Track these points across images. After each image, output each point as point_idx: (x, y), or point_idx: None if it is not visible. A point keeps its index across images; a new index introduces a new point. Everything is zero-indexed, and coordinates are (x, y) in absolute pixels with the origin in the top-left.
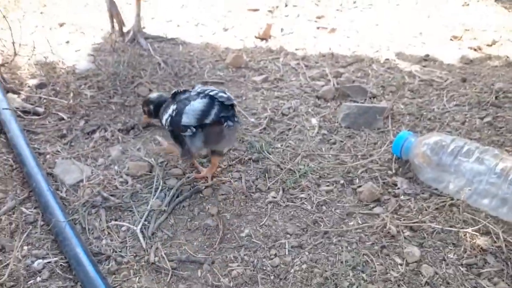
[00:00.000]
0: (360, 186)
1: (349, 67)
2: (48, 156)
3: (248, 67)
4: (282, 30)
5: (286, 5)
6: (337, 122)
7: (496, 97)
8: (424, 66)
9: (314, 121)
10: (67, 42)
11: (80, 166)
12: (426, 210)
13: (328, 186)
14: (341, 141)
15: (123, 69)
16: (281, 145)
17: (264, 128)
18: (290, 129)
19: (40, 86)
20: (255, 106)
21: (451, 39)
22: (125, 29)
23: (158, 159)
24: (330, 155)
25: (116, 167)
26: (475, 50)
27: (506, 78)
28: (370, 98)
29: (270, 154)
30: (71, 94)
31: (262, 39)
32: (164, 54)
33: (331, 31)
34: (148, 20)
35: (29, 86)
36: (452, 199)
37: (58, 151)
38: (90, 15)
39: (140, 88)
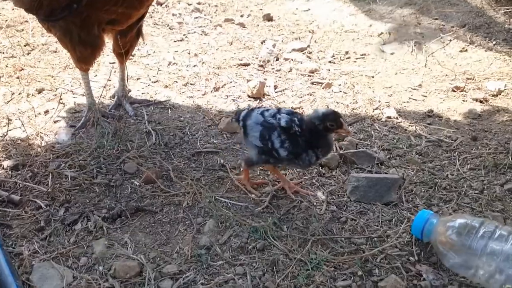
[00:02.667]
0: (381, 279)
1: (351, 128)
2: (24, 257)
3: None
4: (275, 88)
5: (277, 59)
6: (346, 195)
7: None
8: (429, 124)
9: (320, 195)
10: (46, 112)
11: (60, 270)
12: None
13: (345, 280)
14: (353, 219)
15: (108, 143)
16: (288, 228)
17: (267, 206)
18: (295, 206)
19: (16, 167)
20: (254, 178)
21: (453, 90)
22: (109, 94)
23: (148, 254)
24: (343, 239)
25: (100, 268)
26: (481, 102)
27: None
28: (377, 164)
29: (276, 240)
30: (50, 176)
31: (255, 98)
32: (152, 121)
33: (326, 87)
34: (133, 82)
35: (3, 168)
36: None
37: (36, 251)
38: (70, 78)
39: (127, 165)
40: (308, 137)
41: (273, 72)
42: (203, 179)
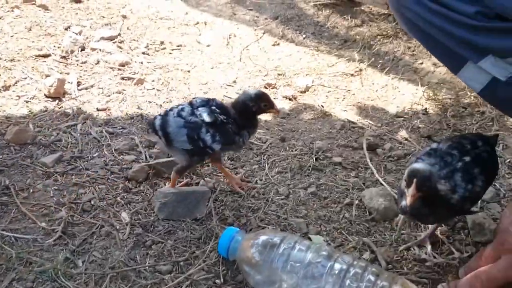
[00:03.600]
0: None
1: None
2: None
3: (36, 142)
4: (79, 84)
5: (83, 49)
6: (154, 213)
7: (316, 159)
8: None
9: (124, 215)
10: None
11: None
12: None
13: None
14: (160, 242)
15: None
16: (84, 262)
17: (60, 237)
18: (94, 233)
19: None
20: (47, 201)
21: (265, 87)
22: None
23: None
24: (147, 268)
25: None
26: (290, 99)
27: (323, 133)
28: (188, 175)
29: (68, 280)
30: None
31: (54, 98)
32: None
33: (138, 83)
34: None
35: None
36: None
37: None
38: None
39: None
40: (239, 120)
41: (77, 64)
42: None
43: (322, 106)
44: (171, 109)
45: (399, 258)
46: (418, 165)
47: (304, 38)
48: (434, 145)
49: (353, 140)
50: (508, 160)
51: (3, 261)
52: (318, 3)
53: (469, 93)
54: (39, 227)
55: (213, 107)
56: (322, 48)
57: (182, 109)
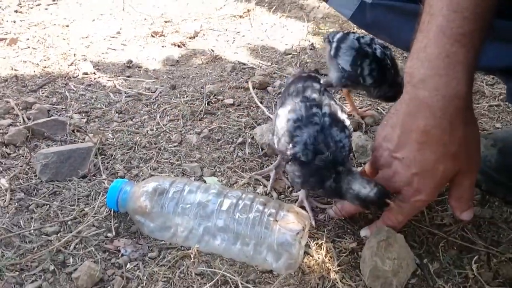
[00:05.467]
0: (76, 269)
1: (41, 91)
2: None
3: None
4: None
5: None
6: (36, 176)
7: (208, 103)
8: (128, 77)
9: (3, 182)
10: None
11: None
12: (157, 274)
13: (34, 281)
14: (45, 204)
15: None
16: None
17: None
18: None
19: None
20: None
21: (152, 36)
22: None
23: None
24: (32, 231)
25: None
26: (179, 46)
27: (214, 77)
28: (73, 131)
29: None
30: None
31: None
32: None
33: (11, 42)
34: None
35: None
36: (184, 248)
37: None
38: None
39: None
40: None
41: None
42: None
43: (213, 51)
44: (354, 32)
45: (289, 187)
46: None
47: None
48: None
49: (244, 81)
50: None
51: None
52: None
53: (352, 25)
54: None
55: (388, 52)
56: None
57: (363, 37)
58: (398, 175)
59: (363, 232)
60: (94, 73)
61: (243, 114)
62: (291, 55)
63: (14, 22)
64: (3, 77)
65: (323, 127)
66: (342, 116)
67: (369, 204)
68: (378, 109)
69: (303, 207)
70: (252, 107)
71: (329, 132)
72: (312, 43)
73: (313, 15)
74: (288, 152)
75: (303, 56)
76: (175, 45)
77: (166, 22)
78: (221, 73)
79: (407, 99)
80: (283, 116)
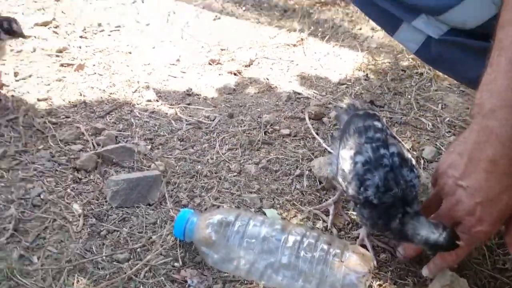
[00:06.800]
0: None
1: (108, 117)
2: None
3: None
4: (16, 75)
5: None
6: (107, 202)
7: (265, 133)
8: (188, 104)
9: (76, 207)
10: None
11: None
12: None
13: None
14: (115, 231)
15: None
16: (39, 258)
17: (12, 235)
18: (46, 228)
19: None
20: None
21: (209, 63)
22: None
23: None
24: (104, 258)
25: None
26: (235, 74)
27: (270, 106)
28: (138, 159)
29: (25, 277)
30: None
31: None
32: None
33: (78, 68)
34: None
35: None
36: (247, 282)
37: None
38: None
39: None
40: None
41: (13, 54)
42: None
43: (267, 79)
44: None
45: (349, 223)
46: None
47: (244, 11)
48: None
49: (299, 110)
50: (447, 119)
51: None
52: None
53: (407, 56)
54: None
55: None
56: (263, 19)
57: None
58: (461, 203)
59: (424, 272)
60: (157, 100)
61: (299, 145)
62: (345, 85)
63: (80, 47)
64: (72, 102)
65: (393, 168)
66: (409, 155)
67: (439, 249)
68: (436, 144)
69: (363, 246)
70: (308, 138)
71: (400, 172)
72: (367, 74)
73: (367, 44)
74: (361, 197)
75: (357, 87)
76: (231, 73)
77: (222, 50)
78: (277, 102)
79: (476, 128)
80: (349, 159)
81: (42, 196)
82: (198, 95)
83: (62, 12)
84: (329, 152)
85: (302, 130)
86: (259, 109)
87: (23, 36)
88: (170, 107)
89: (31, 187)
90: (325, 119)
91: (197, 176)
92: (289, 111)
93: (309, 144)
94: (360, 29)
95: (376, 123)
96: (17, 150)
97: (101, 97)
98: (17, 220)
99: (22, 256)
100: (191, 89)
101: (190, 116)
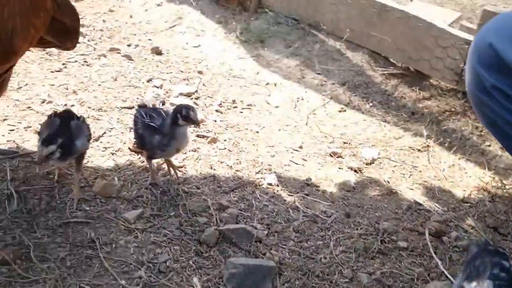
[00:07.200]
0: None
1: (232, 194)
2: None
3: (120, 197)
4: None
5: (163, 103)
6: (222, 282)
7: (381, 241)
8: (306, 195)
9: (196, 281)
10: None
11: None
12: None
13: None
14: None
15: None
16: None
17: None
18: None
19: None
20: (127, 258)
21: (331, 155)
22: None
23: None
24: None
25: None
26: (355, 171)
27: (389, 213)
28: (255, 242)
29: None
30: None
31: (137, 153)
32: (16, 179)
33: (211, 141)
34: None
35: None
36: None
37: None
38: None
39: None
40: None
41: None
42: (68, 259)
43: (388, 182)
44: None
45: None
46: None
47: (371, 106)
48: None
49: (419, 224)
50: None
51: None
52: (386, 72)
53: None
54: (119, 284)
55: None
56: (389, 118)
57: None
58: None
59: None
60: (277, 185)
61: (416, 262)
62: (468, 204)
63: (215, 121)
64: (203, 174)
65: None
66: None
67: None
68: None
69: None
70: (425, 256)
71: None
72: (492, 196)
73: (495, 163)
74: None
75: (481, 208)
76: (351, 169)
77: (344, 143)
78: (396, 210)
79: None
80: None
81: (167, 264)
82: (317, 186)
83: (204, 85)
84: (446, 277)
85: (420, 245)
86: (377, 214)
87: (197, 124)
88: (289, 195)
89: (159, 252)
90: (445, 238)
91: (309, 275)
92: (408, 222)
93: (426, 263)
94: (489, 145)
95: (504, 262)
96: (152, 213)
97: (228, 173)
98: (145, 284)
99: None
100: (310, 179)
101: (307, 207)
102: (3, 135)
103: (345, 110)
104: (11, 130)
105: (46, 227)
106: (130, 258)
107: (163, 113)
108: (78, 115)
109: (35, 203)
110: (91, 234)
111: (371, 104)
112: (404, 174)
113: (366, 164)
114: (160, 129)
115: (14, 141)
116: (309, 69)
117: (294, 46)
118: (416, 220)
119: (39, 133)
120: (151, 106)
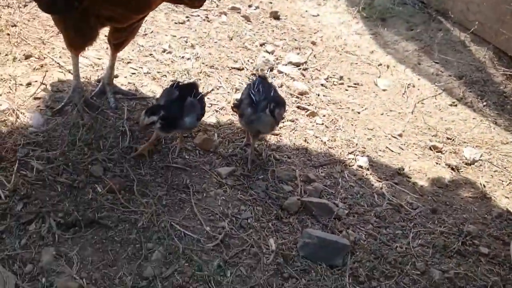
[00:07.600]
0: None
1: (320, 170)
2: None
3: (217, 152)
4: None
5: (271, 70)
6: (296, 248)
7: (462, 243)
8: (396, 183)
9: (272, 242)
10: (28, 84)
11: (4, 275)
12: None
13: None
14: (296, 278)
15: (82, 138)
16: (231, 274)
17: (217, 245)
18: (244, 250)
19: None
20: (214, 208)
21: (430, 149)
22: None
23: (92, 275)
24: None
25: (43, 280)
26: (452, 169)
27: (477, 217)
28: (334, 219)
29: (218, 285)
30: (16, 164)
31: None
32: (131, 119)
33: (310, 115)
34: (123, 65)
35: None
36: None
37: None
38: (60, 47)
39: (94, 167)
40: None
41: None
42: (164, 199)
43: (484, 186)
44: None
45: None
46: None
47: (484, 106)
48: None
49: (506, 233)
50: None
51: (171, 251)
52: (508, 72)
53: None
54: (204, 229)
55: None
56: (501, 121)
57: None
58: None
59: None
60: (368, 169)
61: (493, 270)
62: None
63: (318, 95)
64: (296, 145)
65: None
66: None
67: None
68: None
69: None
70: (505, 266)
71: None
72: None
73: None
74: None
75: None
76: (449, 167)
77: (448, 139)
78: (485, 215)
79: None
80: None
81: (249, 221)
82: (408, 177)
83: (314, 56)
84: None
85: (502, 255)
86: (464, 215)
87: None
88: (377, 180)
89: (243, 209)
90: None
91: (381, 260)
92: (495, 229)
93: (504, 273)
94: None
95: None
96: (243, 173)
97: (320, 148)
98: (226, 234)
99: (220, 267)
100: (403, 169)
101: (393, 196)
102: (125, 77)
103: (456, 105)
104: (132, 73)
105: (150, 166)
106: (217, 209)
107: (271, 92)
108: (200, 92)
109: (144, 143)
110: (186, 181)
111: (485, 103)
112: (503, 181)
113: (466, 164)
114: (254, 106)
115: (134, 84)
116: (427, 56)
117: (416, 30)
118: (504, 229)
119: (157, 99)
120: (268, 81)
